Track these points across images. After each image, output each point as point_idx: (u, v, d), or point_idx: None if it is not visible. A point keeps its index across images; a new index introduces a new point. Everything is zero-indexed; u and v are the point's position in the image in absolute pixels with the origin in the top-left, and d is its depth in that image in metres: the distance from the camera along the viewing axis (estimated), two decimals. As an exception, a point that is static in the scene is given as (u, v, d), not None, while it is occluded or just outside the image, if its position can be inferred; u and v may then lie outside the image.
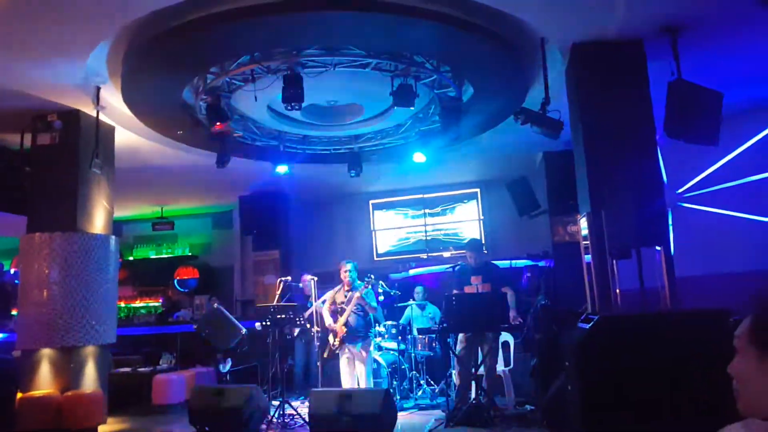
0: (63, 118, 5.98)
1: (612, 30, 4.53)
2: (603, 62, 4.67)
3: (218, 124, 5.62)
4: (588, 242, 4.76)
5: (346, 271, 6.07)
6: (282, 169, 7.39)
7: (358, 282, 6.03)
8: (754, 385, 1.09)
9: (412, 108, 5.50)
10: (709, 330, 3.52)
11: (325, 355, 6.08)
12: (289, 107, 5.06)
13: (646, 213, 4.54)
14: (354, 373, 5.95)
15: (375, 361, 6.70)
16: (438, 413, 5.84)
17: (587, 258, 4.88)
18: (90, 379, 5.89)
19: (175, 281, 10.83)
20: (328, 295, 6.20)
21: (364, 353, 5.97)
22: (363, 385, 5.85)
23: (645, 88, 4.57)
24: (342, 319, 5.91)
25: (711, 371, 2.95)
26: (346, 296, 6.04)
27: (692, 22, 4.44)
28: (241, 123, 6.75)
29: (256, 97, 5.49)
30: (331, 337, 6.00)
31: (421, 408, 6.35)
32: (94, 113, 5.92)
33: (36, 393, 5.59)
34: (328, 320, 6.03)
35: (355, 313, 5.96)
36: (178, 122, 6.30)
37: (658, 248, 4.61)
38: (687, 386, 3.39)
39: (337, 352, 5.99)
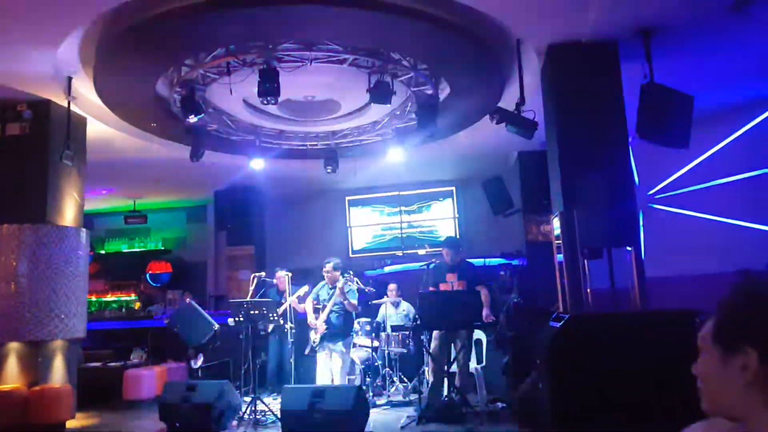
0: (33, 108, 5.87)
1: (586, 32, 4.60)
2: (577, 63, 4.74)
3: (192, 117, 5.54)
4: (560, 242, 4.83)
5: (327, 270, 6.05)
6: (257, 164, 7.33)
7: (343, 280, 6.00)
8: (717, 385, 1.11)
9: (388, 105, 5.50)
10: (677, 330, 3.60)
11: (307, 352, 6.05)
12: (264, 101, 5.01)
13: (617, 214, 4.62)
14: (325, 371, 5.93)
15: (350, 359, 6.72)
16: (411, 410, 5.87)
17: (559, 257, 4.95)
18: (58, 373, 5.78)
19: (148, 275, 10.67)
20: (311, 291, 6.18)
21: (344, 349, 5.99)
22: (337, 381, 5.85)
23: (618, 90, 4.65)
24: (323, 316, 5.89)
25: (678, 371, 3.03)
26: (329, 293, 6.02)
27: (665, 25, 4.53)
28: (216, 116, 6.66)
29: (231, 91, 5.43)
30: (312, 334, 5.99)
31: (393, 405, 6.37)
32: (65, 104, 5.79)
33: (2, 387, 5.47)
34: (311, 317, 6.02)
35: (335, 311, 5.95)
36: (151, 114, 6.20)
37: (629, 249, 4.70)
38: (655, 385, 3.47)
39: (316, 349, 5.98)
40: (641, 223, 4.99)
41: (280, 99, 5.07)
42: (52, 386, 5.65)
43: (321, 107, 6.59)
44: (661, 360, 3.53)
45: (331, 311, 5.92)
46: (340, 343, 5.96)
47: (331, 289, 6.02)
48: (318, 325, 5.90)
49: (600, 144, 4.65)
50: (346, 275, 5.98)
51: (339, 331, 5.96)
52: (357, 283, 7.16)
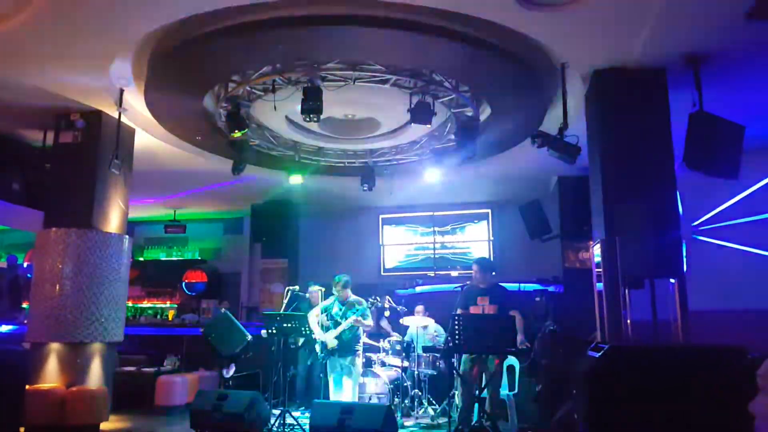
0: (86, 118, 6.11)
1: (634, 57, 4.54)
2: (624, 89, 4.67)
3: (236, 132, 5.69)
4: (600, 269, 4.72)
5: (337, 289, 6.09)
6: (295, 179, 7.44)
7: (353, 297, 6.08)
8: None
9: (429, 126, 5.53)
10: (725, 366, 3.46)
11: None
12: (307, 119, 5.11)
13: (661, 243, 4.50)
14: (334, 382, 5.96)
15: (377, 375, 6.71)
16: (439, 433, 5.77)
17: (599, 286, 4.83)
18: (95, 375, 5.92)
19: (183, 284, 10.88)
20: (321, 306, 6.22)
21: (352, 367, 6.01)
22: (349, 398, 5.89)
23: (665, 118, 4.57)
24: (335, 332, 5.92)
25: (724, 408, 2.91)
26: (340, 309, 6.03)
27: (716, 53, 4.43)
28: (259, 132, 6.82)
29: (275, 107, 5.55)
30: (318, 347, 6.04)
31: (422, 427, 6.28)
32: (116, 115, 6.02)
33: (42, 386, 5.63)
34: (317, 331, 6.05)
35: (346, 329, 5.97)
36: (197, 128, 6.38)
37: (672, 280, 4.56)
38: (698, 422, 3.33)
39: (324, 362, 6.05)
40: (685, 254, 4.83)
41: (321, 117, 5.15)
42: (89, 388, 5.79)
43: (360, 125, 6.67)
44: (705, 396, 3.40)
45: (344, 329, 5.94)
46: (349, 358, 5.98)
47: (342, 305, 6.03)
48: (329, 340, 5.91)
49: (645, 171, 4.56)
50: (371, 299, 6.00)
51: (348, 347, 6.01)
52: (389, 302, 7.17)
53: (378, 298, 6.10)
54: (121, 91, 5.66)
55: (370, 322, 6.08)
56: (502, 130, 6.13)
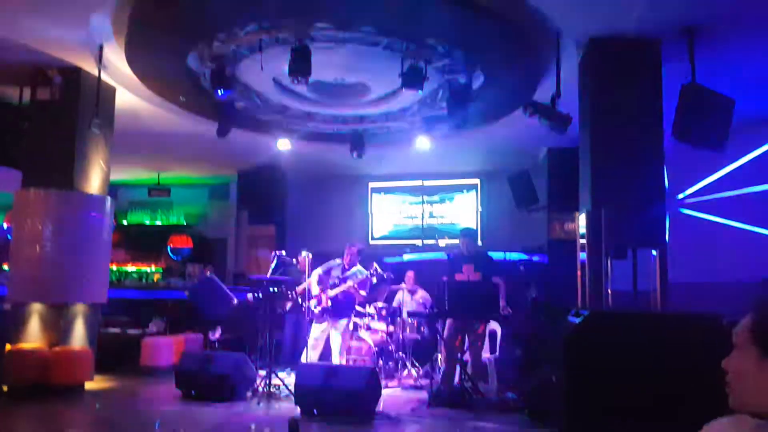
0: (64, 74, 5.92)
1: (630, 27, 4.50)
2: (618, 59, 4.65)
3: (221, 92, 5.57)
4: (585, 240, 4.78)
5: (352, 253, 6.35)
6: (283, 144, 7.35)
7: (359, 268, 6.32)
8: (750, 383, 1.11)
9: (420, 91, 5.46)
10: (701, 333, 3.54)
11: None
12: (295, 81, 5.01)
13: (645, 215, 4.55)
14: (320, 346, 6.15)
15: (363, 339, 6.88)
16: (421, 394, 5.89)
17: (582, 256, 4.90)
18: (79, 336, 5.92)
19: (169, 249, 10.82)
20: (324, 266, 6.39)
21: (341, 327, 6.24)
22: (336, 355, 6.14)
23: (658, 89, 4.56)
24: (332, 293, 6.06)
25: (700, 372, 2.99)
26: (342, 273, 6.19)
27: (711, 24, 4.41)
28: (245, 94, 6.68)
29: (262, 67, 5.43)
30: (313, 303, 6.16)
31: (405, 388, 6.41)
32: (95, 72, 5.84)
33: (25, 346, 5.61)
34: (315, 288, 6.23)
35: (345, 291, 6.18)
36: (181, 88, 6.23)
37: (654, 252, 4.63)
38: (674, 385, 3.43)
39: (314, 320, 6.22)
40: (668, 226, 4.90)
41: (310, 79, 5.06)
42: (73, 348, 5.79)
43: (350, 90, 6.57)
44: (680, 362, 3.49)
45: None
46: (343, 321, 6.20)
47: (347, 270, 6.11)
48: (323, 298, 6.04)
49: (634, 143, 4.57)
50: (372, 270, 6.24)
51: (343, 310, 6.21)
52: (377, 269, 7.23)
53: (379, 268, 6.22)
54: (101, 47, 5.48)
55: (364, 292, 6.32)
56: (495, 99, 6.08)
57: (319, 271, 6.38)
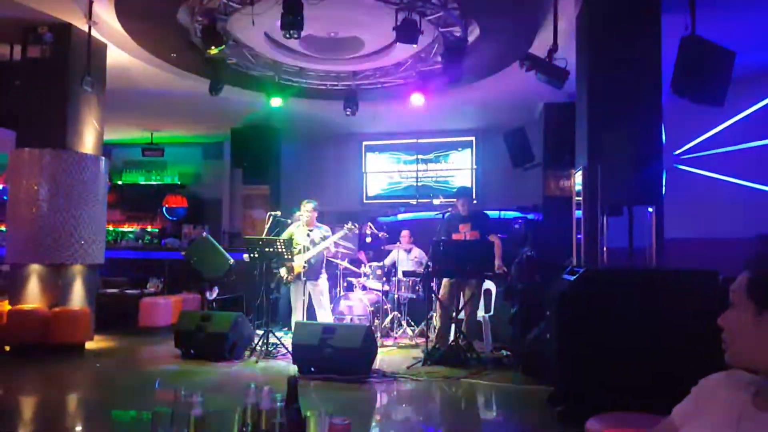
0: (54, 31, 5.80)
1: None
2: (617, 10, 4.49)
3: (212, 47, 5.42)
4: (580, 197, 4.75)
5: (308, 211, 6.20)
6: (276, 102, 7.22)
7: (323, 227, 6.27)
8: (746, 339, 1.11)
9: (414, 46, 5.33)
10: (697, 289, 3.58)
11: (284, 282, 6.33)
12: (287, 35, 4.87)
13: (642, 171, 4.50)
14: (301, 304, 6.15)
15: (359, 299, 6.94)
16: (417, 352, 6.00)
17: (578, 213, 4.88)
18: (78, 296, 5.96)
19: (164, 209, 10.79)
20: (286, 233, 6.30)
21: (321, 286, 6.24)
22: (327, 314, 6.23)
23: (657, 42, 4.43)
24: (305, 256, 6.02)
25: (695, 328, 3.03)
26: (308, 235, 6.14)
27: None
28: (237, 49, 6.52)
29: (253, 22, 5.27)
30: (284, 271, 6.14)
31: (400, 347, 6.52)
32: (86, 28, 5.70)
33: (25, 306, 5.66)
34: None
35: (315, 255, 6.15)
36: (171, 44, 6.08)
37: (650, 209, 4.61)
38: (669, 342, 3.48)
39: (289, 284, 6.23)
40: (664, 182, 4.87)
41: (302, 34, 4.91)
42: (72, 308, 5.84)
43: (344, 45, 6.41)
44: (675, 318, 3.53)
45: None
46: (321, 278, 6.23)
47: (310, 231, 6.14)
48: (296, 264, 6.02)
49: (632, 98, 4.48)
50: (347, 225, 6.17)
51: (317, 270, 6.20)
52: (371, 228, 7.24)
53: (355, 225, 6.14)
54: (90, 2, 5.32)
55: (333, 249, 6.34)
56: (490, 52, 5.95)
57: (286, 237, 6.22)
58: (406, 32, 5.00)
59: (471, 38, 5.75)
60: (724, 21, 4.97)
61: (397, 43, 5.29)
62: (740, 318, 1.11)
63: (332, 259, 6.86)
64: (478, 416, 4.44)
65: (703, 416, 1.16)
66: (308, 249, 6.08)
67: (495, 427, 4.24)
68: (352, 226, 6.15)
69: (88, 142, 6.13)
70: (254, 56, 6.72)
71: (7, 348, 5.68)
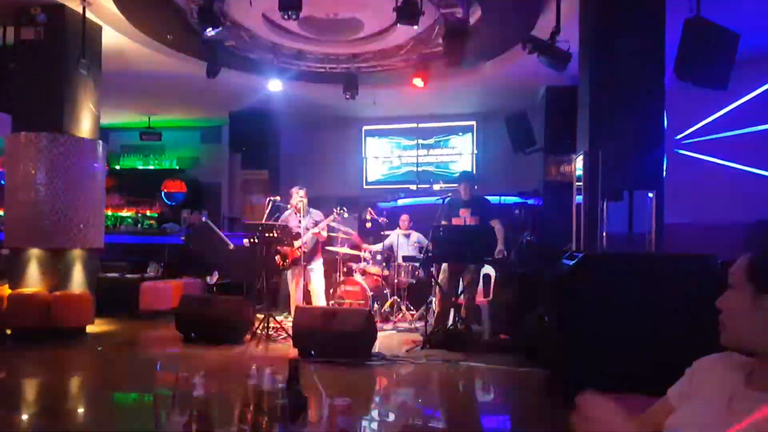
0: (48, 12, 5.71)
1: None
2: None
3: (209, 29, 5.35)
4: (581, 183, 4.74)
5: (302, 197, 6.21)
6: (275, 85, 7.16)
7: (315, 211, 6.30)
8: (742, 321, 1.13)
9: (415, 26, 5.26)
10: (695, 273, 3.58)
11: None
12: (285, 16, 4.81)
13: (643, 157, 4.48)
14: (299, 289, 6.23)
15: (358, 283, 6.93)
16: (416, 336, 6.03)
17: (578, 198, 4.87)
18: (78, 280, 5.97)
19: (163, 193, 10.77)
20: (281, 221, 6.33)
21: (317, 270, 6.31)
22: (321, 298, 6.28)
23: (661, 24, 4.37)
24: (298, 243, 6.06)
25: (693, 311, 3.04)
26: (299, 222, 6.15)
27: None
28: (234, 31, 6.44)
29: (251, 2, 5.20)
30: (278, 257, 6.19)
31: (400, 331, 6.55)
32: (80, 9, 5.62)
33: (25, 290, 5.66)
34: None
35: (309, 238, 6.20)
36: (168, 25, 6.00)
37: (650, 194, 4.60)
38: (667, 325, 3.49)
39: (286, 270, 6.29)
40: (665, 167, 4.86)
41: (301, 14, 4.85)
42: (73, 292, 5.85)
43: (343, 26, 6.33)
44: (674, 302, 3.54)
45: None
46: (318, 262, 6.30)
47: (302, 218, 6.18)
48: (295, 249, 6.08)
49: (634, 82, 4.44)
50: (336, 210, 6.19)
51: (313, 254, 6.29)
52: (371, 213, 7.25)
53: (343, 209, 6.15)
54: (84, -19, 5.25)
55: (325, 234, 6.35)
56: (492, 35, 5.89)
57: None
58: (407, 13, 4.93)
59: (472, 19, 5.69)
60: (728, 1, 4.90)
61: (398, 25, 5.22)
62: (738, 300, 1.12)
63: (330, 248, 6.87)
64: (476, 399, 4.47)
65: (697, 396, 1.18)
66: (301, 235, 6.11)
67: (493, 409, 4.27)
68: (341, 210, 6.17)
69: (85, 125, 6.09)
70: (252, 38, 6.65)
71: (9, 332, 5.69)
